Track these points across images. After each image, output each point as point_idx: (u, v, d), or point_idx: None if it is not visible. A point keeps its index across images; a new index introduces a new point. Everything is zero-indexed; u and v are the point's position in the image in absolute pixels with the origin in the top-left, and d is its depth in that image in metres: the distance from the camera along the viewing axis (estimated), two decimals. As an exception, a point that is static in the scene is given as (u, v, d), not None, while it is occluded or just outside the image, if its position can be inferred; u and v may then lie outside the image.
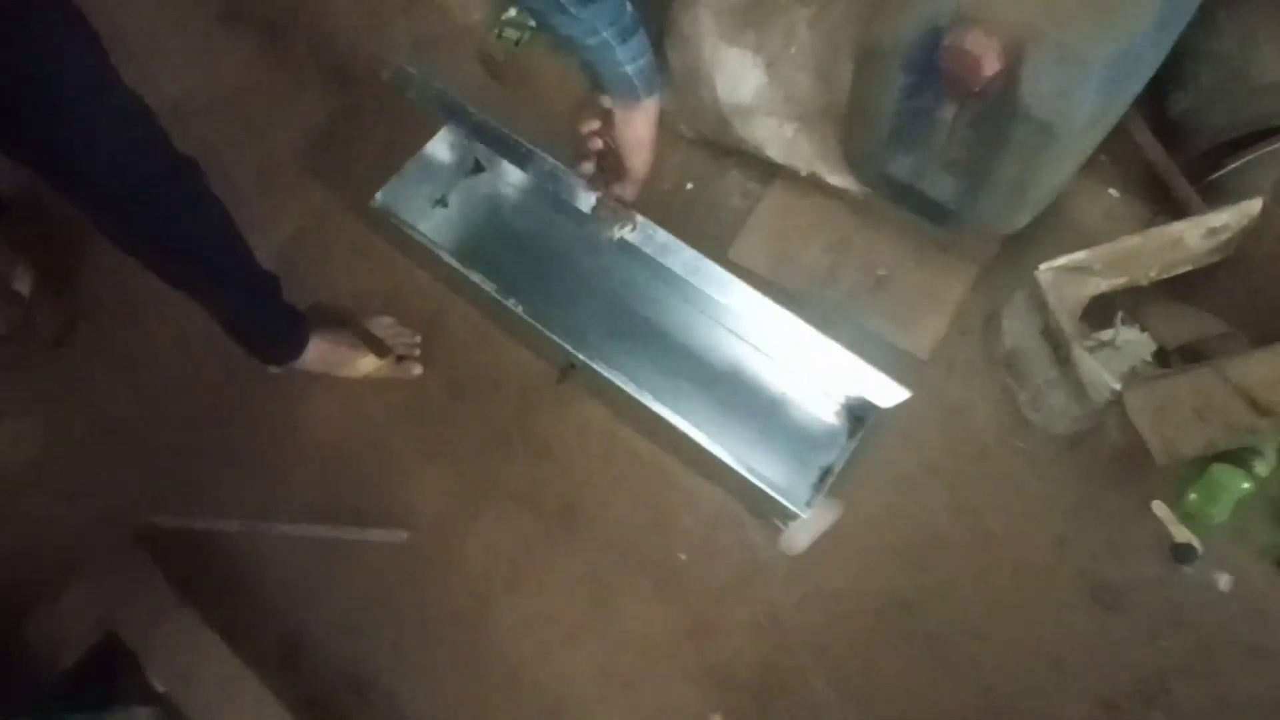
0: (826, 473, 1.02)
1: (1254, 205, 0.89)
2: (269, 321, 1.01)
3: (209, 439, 1.10)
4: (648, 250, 0.98)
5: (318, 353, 1.05)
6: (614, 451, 1.07)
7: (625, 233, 0.95)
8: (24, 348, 1.12)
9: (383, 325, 1.12)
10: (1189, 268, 0.95)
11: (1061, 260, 0.90)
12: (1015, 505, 1.02)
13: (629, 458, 1.07)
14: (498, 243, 1.19)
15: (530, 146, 1.02)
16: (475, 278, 1.04)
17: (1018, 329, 0.99)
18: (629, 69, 0.72)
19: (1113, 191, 1.17)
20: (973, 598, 0.99)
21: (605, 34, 0.68)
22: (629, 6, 0.68)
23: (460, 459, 1.07)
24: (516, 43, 1.31)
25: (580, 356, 0.99)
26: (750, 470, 0.92)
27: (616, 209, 0.93)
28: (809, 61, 1.04)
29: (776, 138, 1.09)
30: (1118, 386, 0.84)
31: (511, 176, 1.20)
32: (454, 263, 1.05)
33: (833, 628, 0.99)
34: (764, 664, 0.97)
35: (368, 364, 1.08)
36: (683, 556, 1.02)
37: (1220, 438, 0.81)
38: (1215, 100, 1.02)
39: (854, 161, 1.05)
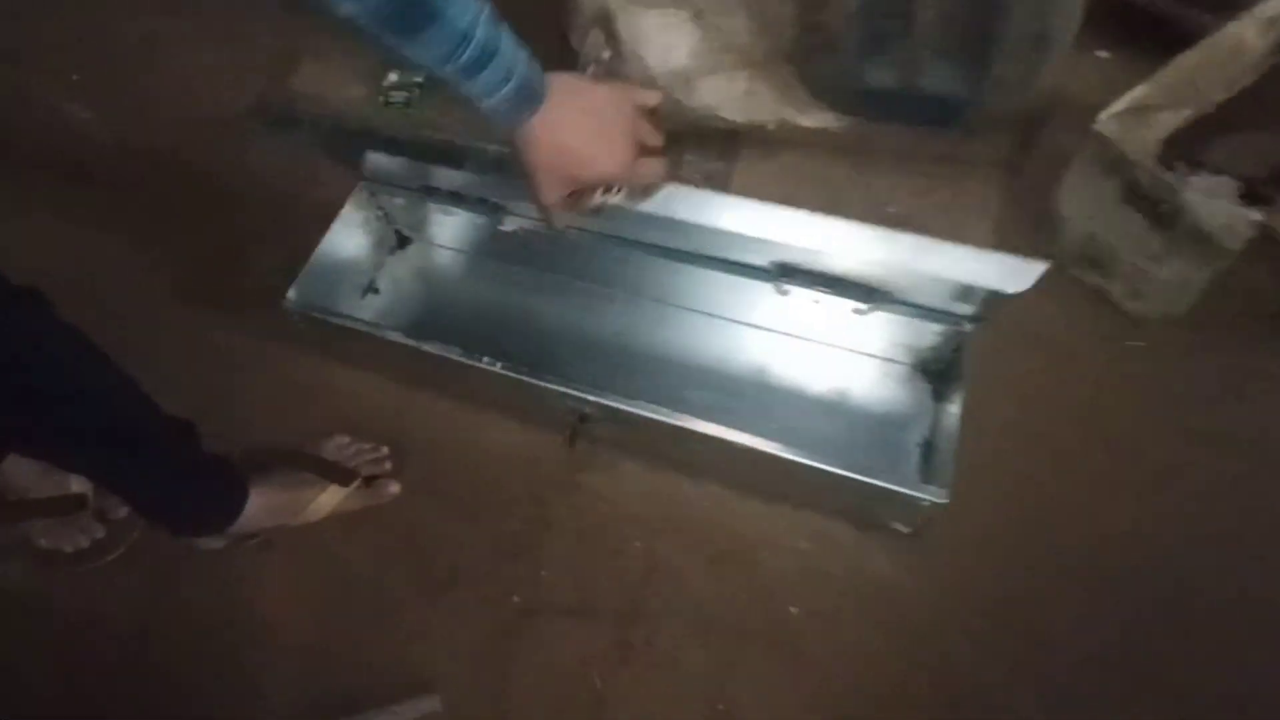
0: (927, 447, 0.82)
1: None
2: (191, 481, 0.78)
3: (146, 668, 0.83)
4: (628, 232, 0.77)
5: (263, 503, 0.82)
6: (664, 510, 0.84)
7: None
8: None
9: (338, 447, 0.89)
10: (1252, 79, 0.80)
11: (1120, 104, 0.74)
12: (1159, 413, 0.83)
13: (684, 512, 0.84)
14: (449, 314, 0.99)
15: (465, 141, 0.80)
16: (432, 348, 0.83)
17: (1086, 209, 0.82)
18: (485, 105, 0.54)
19: (1101, 53, 1.04)
20: (1151, 537, 0.77)
21: (447, 70, 0.52)
22: (476, 36, 0.50)
23: (477, 581, 0.83)
24: (406, 104, 1.15)
25: (590, 398, 0.78)
26: (851, 468, 0.71)
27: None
28: (737, 4, 0.90)
29: (729, 95, 0.93)
30: (1259, 216, 0.66)
31: (445, 234, 1.01)
32: (401, 338, 0.84)
33: (996, 627, 0.75)
34: (937, 691, 0.73)
35: (331, 498, 0.85)
36: (793, 610, 0.78)
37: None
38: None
39: (827, 89, 0.89)
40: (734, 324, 0.92)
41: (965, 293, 0.71)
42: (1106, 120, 0.73)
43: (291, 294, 0.87)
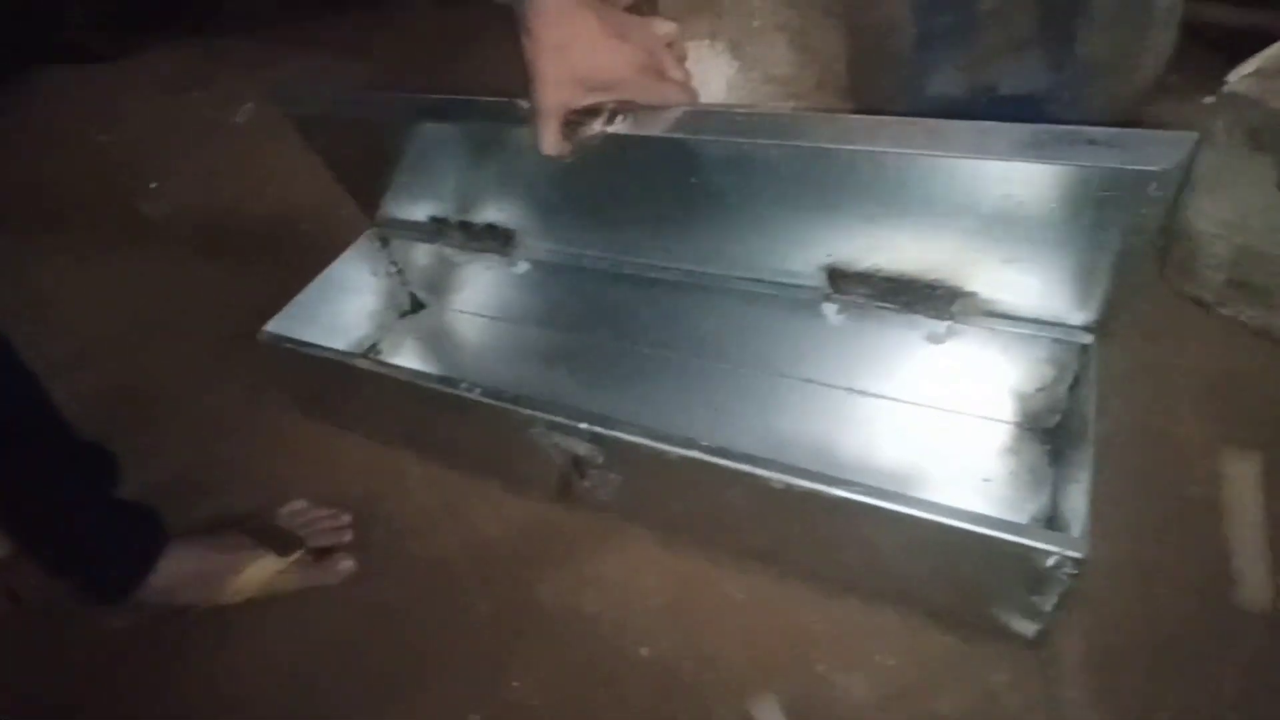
0: (1049, 522, 0.59)
1: None
2: (99, 523, 0.63)
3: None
4: (633, 169, 0.60)
5: (177, 569, 0.65)
6: (686, 603, 0.62)
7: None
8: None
9: (291, 514, 0.73)
10: None
11: (1253, 63, 0.59)
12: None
13: (713, 607, 0.62)
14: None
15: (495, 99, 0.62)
16: (404, 375, 0.69)
17: (1228, 212, 0.64)
18: None
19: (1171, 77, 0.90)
20: None
21: None
22: None
23: (429, 691, 0.61)
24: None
25: (584, 427, 0.60)
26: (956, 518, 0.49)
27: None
28: (778, 33, 0.83)
29: (773, 129, 0.83)
30: None
31: (465, 296, 0.91)
32: (375, 366, 0.70)
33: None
34: None
35: (261, 571, 0.67)
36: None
37: None
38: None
39: (887, 104, 0.78)
40: (782, 378, 0.75)
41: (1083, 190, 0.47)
42: (1240, 80, 0.58)
43: (268, 328, 0.76)
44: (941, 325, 0.63)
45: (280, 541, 0.69)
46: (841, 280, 0.64)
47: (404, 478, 0.76)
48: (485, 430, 0.68)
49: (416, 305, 0.95)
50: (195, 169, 1.31)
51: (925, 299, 0.61)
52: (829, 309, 0.67)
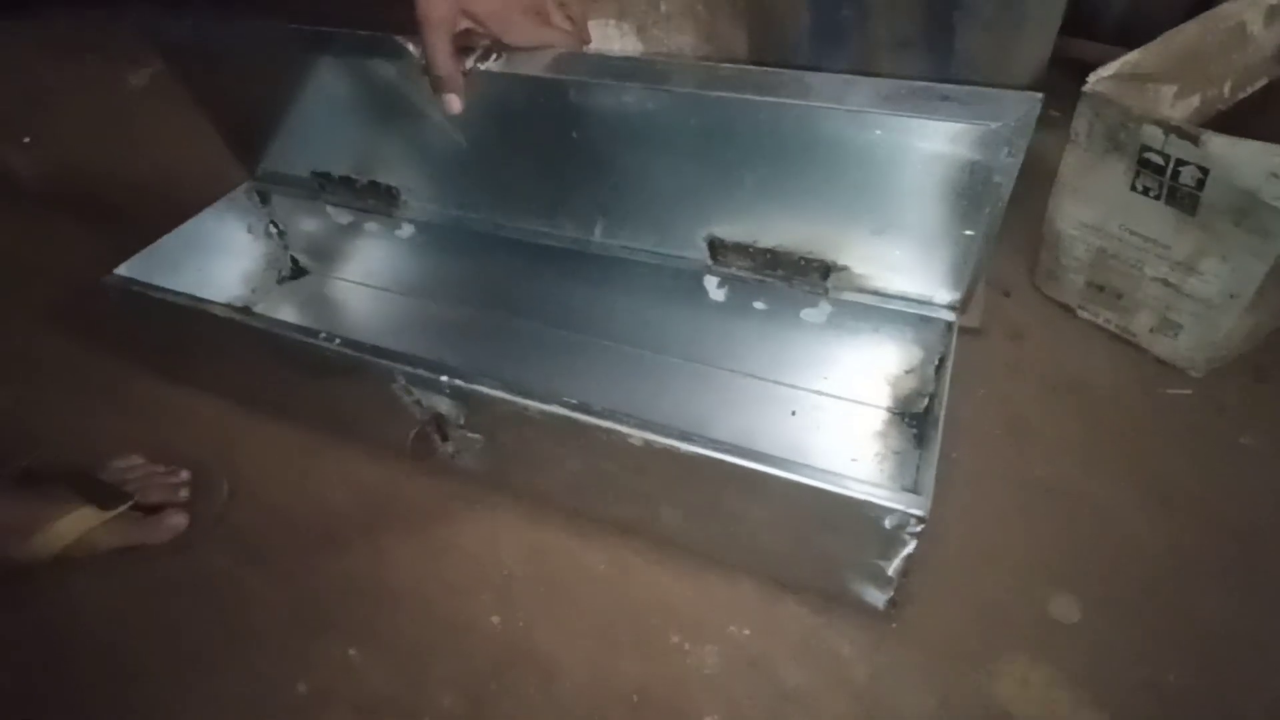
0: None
1: (1304, -28, 0.67)
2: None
3: None
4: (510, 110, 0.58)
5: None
6: (543, 572, 0.60)
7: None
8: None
9: (124, 468, 0.67)
10: (1265, 80, 0.69)
11: (1111, 68, 0.62)
12: (1219, 478, 0.60)
13: (569, 578, 0.59)
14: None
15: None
16: (260, 323, 0.64)
17: (1088, 214, 0.67)
18: None
19: (1054, 113, 0.96)
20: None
21: None
22: None
23: (256, 658, 0.56)
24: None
25: (444, 380, 0.57)
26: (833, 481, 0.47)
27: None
28: (685, 19, 0.84)
29: (674, 115, 0.83)
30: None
31: (353, 265, 0.86)
32: (226, 313, 0.65)
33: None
34: None
35: (77, 523, 0.61)
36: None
37: None
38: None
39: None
40: (662, 355, 0.74)
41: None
42: (1099, 81, 0.61)
43: (121, 270, 0.71)
44: (818, 301, 0.63)
45: (104, 494, 0.63)
46: (721, 251, 0.63)
47: (255, 438, 0.70)
48: (344, 387, 0.64)
49: (298, 271, 0.90)
50: (79, 128, 1.23)
51: (802, 272, 0.62)
52: (710, 282, 0.66)
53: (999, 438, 0.65)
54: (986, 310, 0.76)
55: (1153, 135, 0.58)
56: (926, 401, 0.65)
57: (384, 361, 0.59)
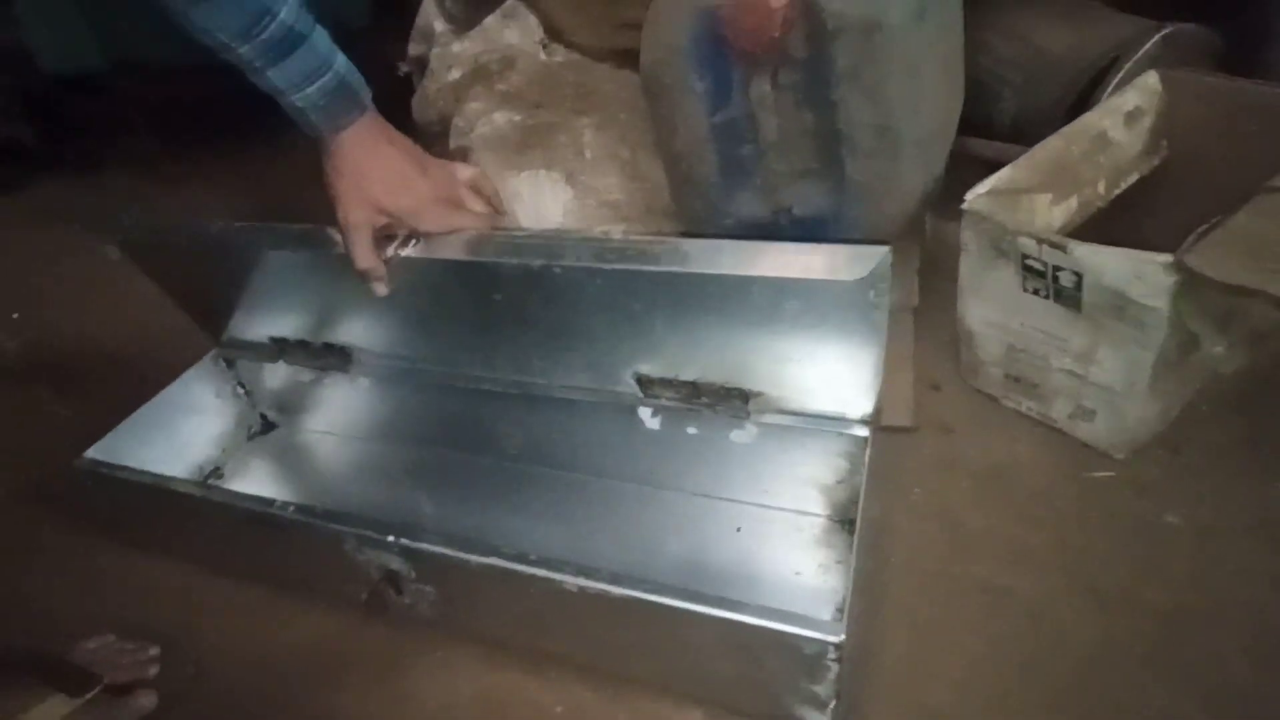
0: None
1: (1150, 78, 0.74)
2: None
3: None
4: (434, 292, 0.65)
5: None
6: (506, 715, 0.61)
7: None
8: None
9: (95, 649, 0.68)
10: (1136, 175, 0.75)
11: (985, 185, 0.68)
12: (1143, 561, 0.62)
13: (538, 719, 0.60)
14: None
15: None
16: (220, 496, 0.68)
17: (990, 315, 0.72)
18: (297, 98, 0.54)
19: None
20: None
21: (247, 49, 0.52)
22: (280, 15, 0.51)
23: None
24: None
25: (391, 540, 0.60)
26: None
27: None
28: (609, 162, 0.91)
29: (608, 249, 0.89)
30: (1168, 257, 0.55)
31: (318, 418, 0.90)
32: (187, 489, 0.69)
33: None
34: None
35: (48, 713, 0.62)
36: None
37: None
38: (1036, 87, 0.95)
39: (707, 228, 0.85)
40: (608, 480, 0.77)
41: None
42: (975, 199, 0.66)
43: (89, 454, 0.74)
44: (744, 424, 0.67)
45: (73, 680, 0.64)
46: (648, 385, 0.67)
47: (221, 604, 0.73)
48: (303, 550, 0.67)
49: (267, 426, 0.94)
50: (61, 299, 1.30)
51: (724, 399, 0.66)
52: (645, 413, 0.70)
53: (934, 536, 0.67)
54: (918, 406, 0.79)
55: (1028, 245, 0.63)
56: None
57: (335, 526, 0.62)
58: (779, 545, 0.69)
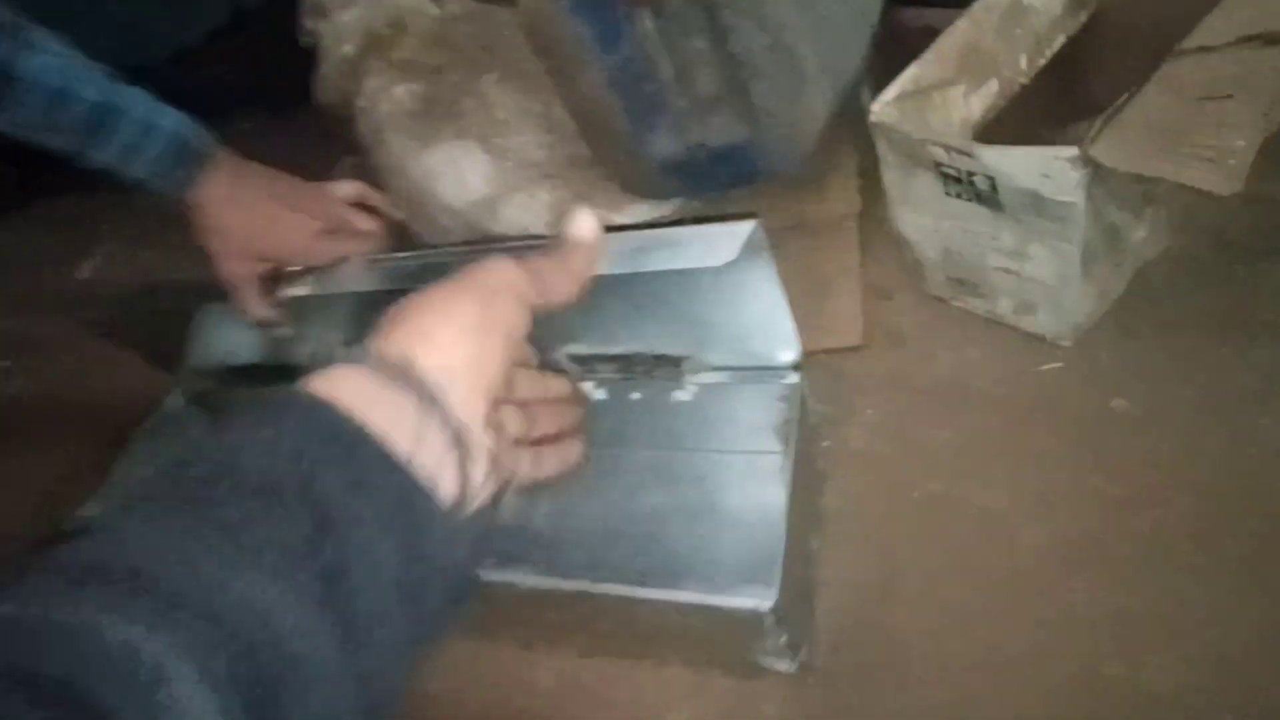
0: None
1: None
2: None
3: None
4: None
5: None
6: (506, 695, 0.66)
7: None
8: None
9: None
10: (1062, 38, 0.69)
11: (893, 89, 0.63)
12: (1092, 453, 0.62)
13: (533, 693, 0.65)
14: None
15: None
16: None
17: (922, 222, 0.69)
18: (133, 172, 0.52)
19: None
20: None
21: (57, 138, 0.49)
22: (75, 92, 0.48)
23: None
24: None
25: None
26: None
27: None
28: (523, 119, 0.87)
29: (535, 211, 0.87)
30: (1074, 151, 0.52)
31: None
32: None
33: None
34: None
35: None
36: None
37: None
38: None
39: (629, 179, 0.82)
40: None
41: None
42: (882, 109, 0.62)
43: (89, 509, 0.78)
44: (683, 385, 0.67)
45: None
46: (583, 361, 0.67)
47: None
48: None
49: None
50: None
51: (657, 366, 0.66)
52: (588, 386, 0.71)
53: (889, 457, 0.68)
54: (868, 319, 0.78)
55: (939, 154, 0.60)
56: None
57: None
58: (739, 486, 0.71)
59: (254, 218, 0.55)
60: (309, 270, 0.60)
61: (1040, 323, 0.68)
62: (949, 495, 0.64)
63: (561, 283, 0.38)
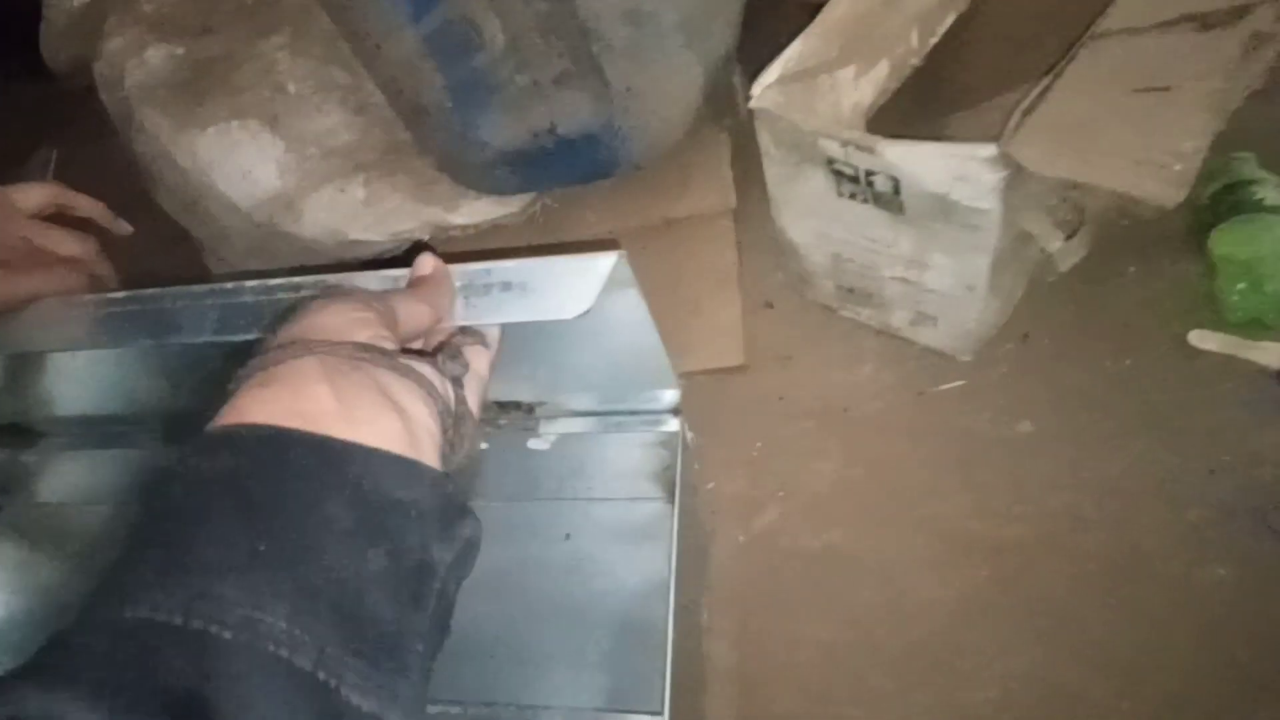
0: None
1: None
2: None
3: None
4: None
5: None
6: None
7: None
8: None
9: None
10: (952, 14, 0.61)
11: (774, 71, 0.53)
12: (997, 489, 0.56)
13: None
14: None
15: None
16: None
17: (810, 225, 0.60)
18: None
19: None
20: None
21: None
22: None
23: None
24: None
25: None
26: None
27: None
28: (323, 95, 0.70)
29: (349, 210, 0.70)
30: (992, 150, 0.44)
31: (53, 483, 0.72)
32: None
33: None
34: None
35: None
36: None
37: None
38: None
39: (465, 171, 0.67)
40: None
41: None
42: (763, 93, 0.52)
43: None
44: (538, 431, 0.54)
45: None
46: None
47: None
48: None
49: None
50: None
51: (504, 412, 0.53)
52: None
53: (781, 500, 0.59)
54: (749, 334, 0.68)
55: (833, 148, 0.50)
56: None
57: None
58: (611, 542, 0.59)
59: None
60: None
61: (938, 335, 0.61)
62: (843, 550, 0.56)
63: (417, 314, 0.36)
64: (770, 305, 0.70)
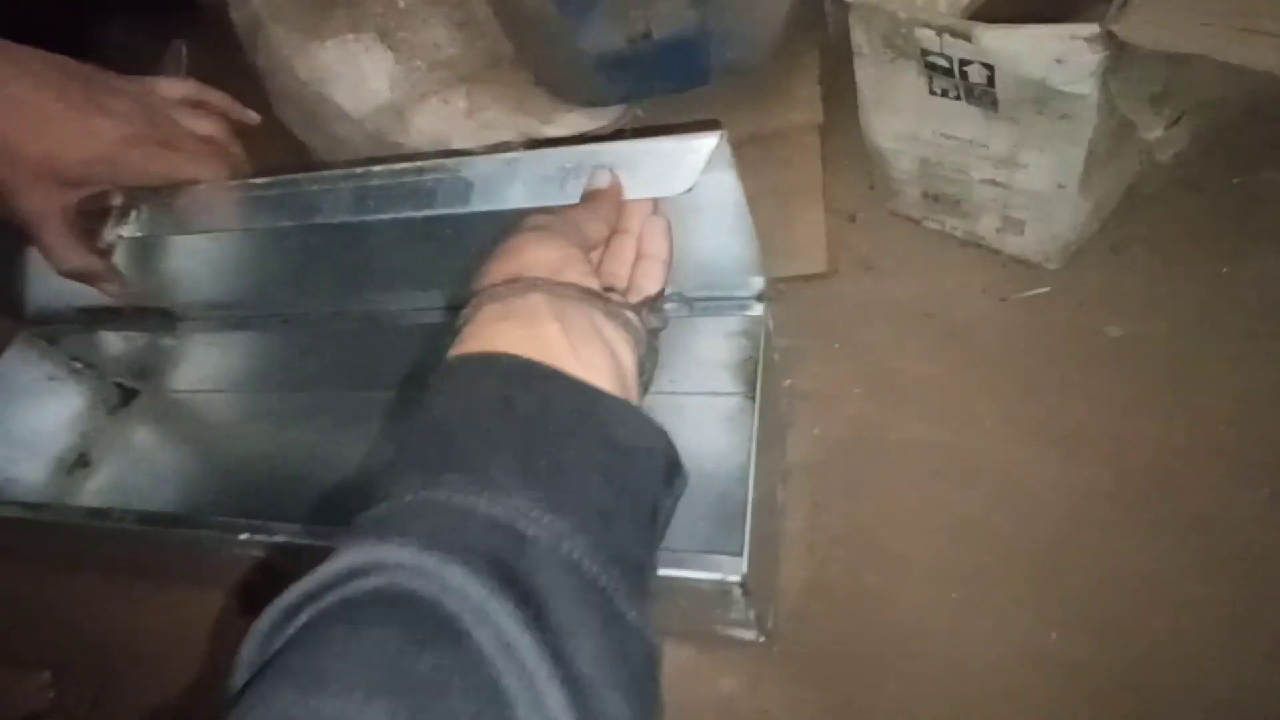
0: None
1: None
2: None
3: None
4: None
5: None
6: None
7: None
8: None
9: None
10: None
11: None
12: (1087, 389, 0.56)
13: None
14: (195, 478, 0.74)
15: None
16: (52, 515, 0.59)
17: (900, 127, 0.60)
18: None
19: None
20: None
21: None
22: None
23: None
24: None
25: (257, 539, 0.53)
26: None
27: None
28: (431, 9, 0.74)
29: (452, 120, 0.75)
30: (1094, 29, 0.43)
31: (187, 373, 0.80)
32: (22, 512, 0.60)
33: None
34: None
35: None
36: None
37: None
38: None
39: (562, 82, 0.71)
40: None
41: None
42: (861, -13, 0.53)
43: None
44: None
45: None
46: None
47: (125, 610, 0.67)
48: (169, 549, 0.60)
49: (128, 395, 0.83)
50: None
51: (598, 296, 0.56)
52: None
53: (861, 398, 0.61)
54: (832, 244, 0.69)
55: (928, 38, 0.51)
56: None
57: (183, 531, 0.54)
58: (693, 432, 0.62)
59: (42, 122, 0.40)
60: (141, 201, 0.46)
61: (1026, 243, 0.61)
62: (927, 440, 0.57)
63: (596, 230, 0.38)
64: (854, 219, 0.71)
